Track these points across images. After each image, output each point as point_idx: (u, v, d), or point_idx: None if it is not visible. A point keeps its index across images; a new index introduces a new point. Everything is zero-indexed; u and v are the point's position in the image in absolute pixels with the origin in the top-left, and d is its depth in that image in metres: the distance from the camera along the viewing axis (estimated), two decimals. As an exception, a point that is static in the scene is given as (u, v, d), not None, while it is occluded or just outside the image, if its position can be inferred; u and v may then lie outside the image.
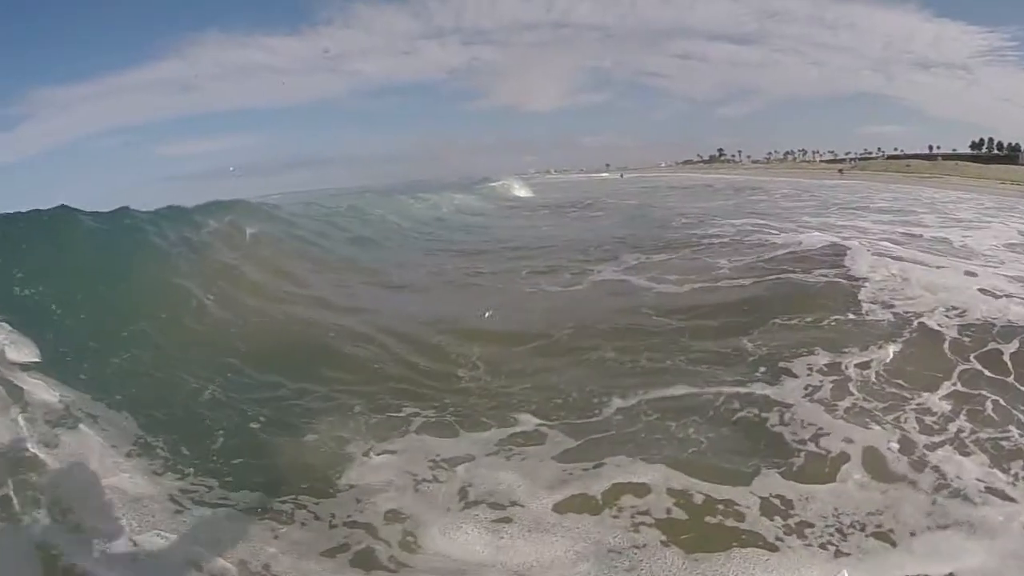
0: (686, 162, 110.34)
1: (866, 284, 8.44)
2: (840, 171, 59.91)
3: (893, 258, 10.17)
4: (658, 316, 7.97)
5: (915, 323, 6.91)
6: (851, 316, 7.32)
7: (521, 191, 40.06)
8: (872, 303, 7.67)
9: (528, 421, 5.22)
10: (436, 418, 5.35)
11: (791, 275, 9.37)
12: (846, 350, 6.23)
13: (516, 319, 8.23)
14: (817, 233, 13.24)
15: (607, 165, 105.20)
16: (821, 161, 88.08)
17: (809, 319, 7.29)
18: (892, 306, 7.51)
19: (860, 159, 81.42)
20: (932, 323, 6.87)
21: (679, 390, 5.62)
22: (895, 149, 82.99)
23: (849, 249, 10.71)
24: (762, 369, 5.98)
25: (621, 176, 77.79)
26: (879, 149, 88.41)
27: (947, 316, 7.04)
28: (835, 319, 7.23)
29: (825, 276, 9.13)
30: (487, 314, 8.18)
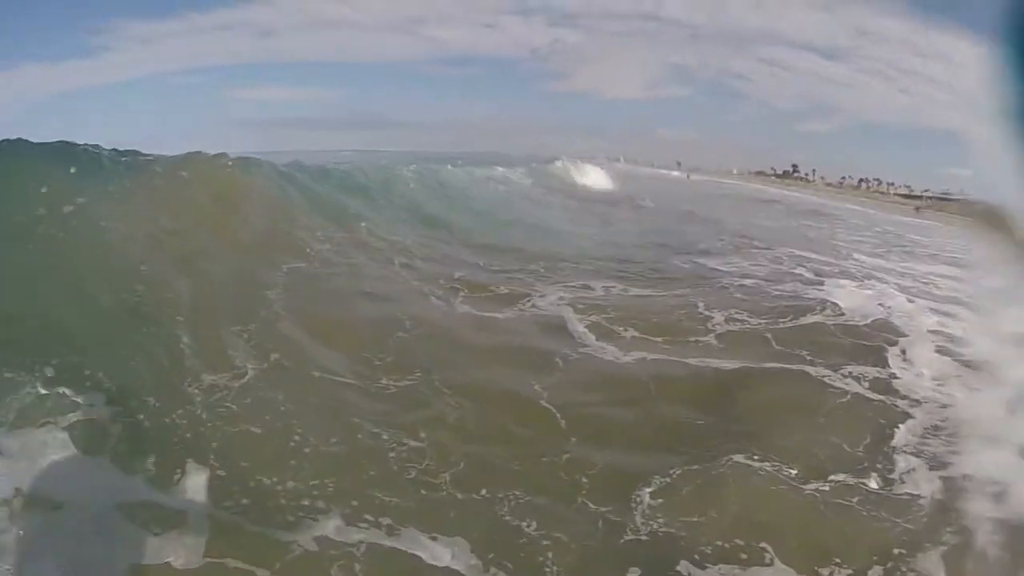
0: (759, 172, 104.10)
1: (916, 414, 5.26)
2: (917, 209, 54.16)
3: (963, 363, 6.67)
4: (544, 405, 5.29)
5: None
6: (877, 486, 4.36)
7: (580, 177, 36.48)
8: (927, 460, 4.66)
9: None
10: None
11: (804, 367, 6.24)
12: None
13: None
14: (865, 290, 9.64)
15: (678, 163, 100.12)
16: (895, 194, 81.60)
17: (794, 472, 4.42)
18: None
19: (938, 199, 74.88)
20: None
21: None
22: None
23: (904, 336, 7.39)
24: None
25: (687, 177, 73.48)
26: (960, 191, 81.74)
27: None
28: (847, 489, 4.28)
29: (856, 381, 5.98)
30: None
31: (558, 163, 37.20)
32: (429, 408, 5.11)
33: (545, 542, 3.68)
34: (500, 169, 25.16)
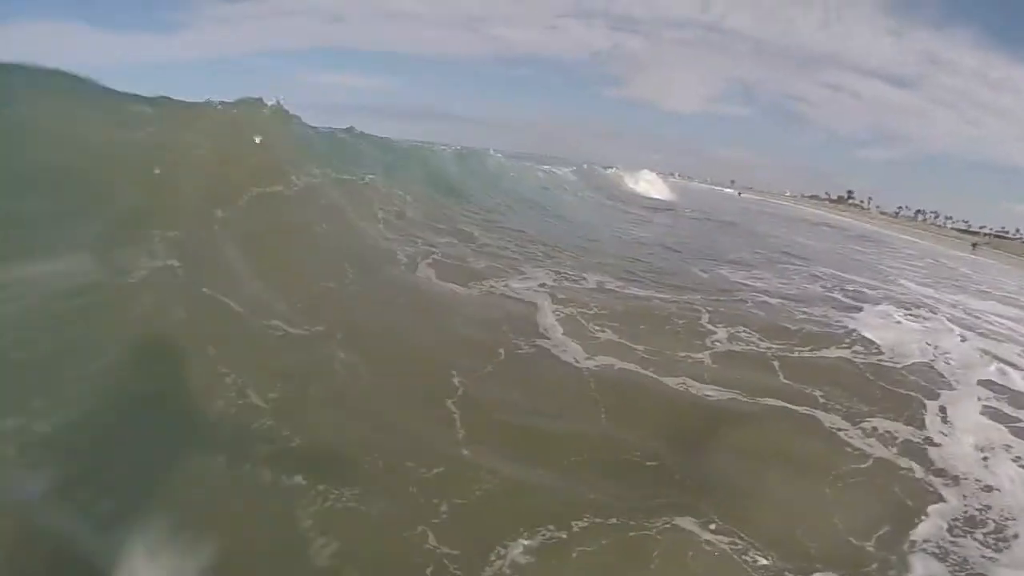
0: (813, 196, 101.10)
1: (951, 496, 3.98)
2: (974, 245, 50.96)
3: (1018, 431, 5.28)
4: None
5: None
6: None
7: (631, 183, 34.58)
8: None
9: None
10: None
11: (815, 411, 4.87)
12: None
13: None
14: (909, 322, 8.08)
15: (732, 181, 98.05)
16: (952, 229, 77.63)
17: (763, 560, 3.07)
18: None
19: (995, 236, 70.93)
20: None
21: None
22: (1035, 232, 71.85)
23: (949, 387, 5.95)
24: None
25: (739, 194, 71.69)
26: (1018, 230, 77.47)
27: None
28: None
29: (880, 442, 4.63)
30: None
31: (611, 169, 35.55)
32: (307, 365, 4.15)
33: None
34: (547, 166, 23.64)
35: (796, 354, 6.08)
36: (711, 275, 9.75)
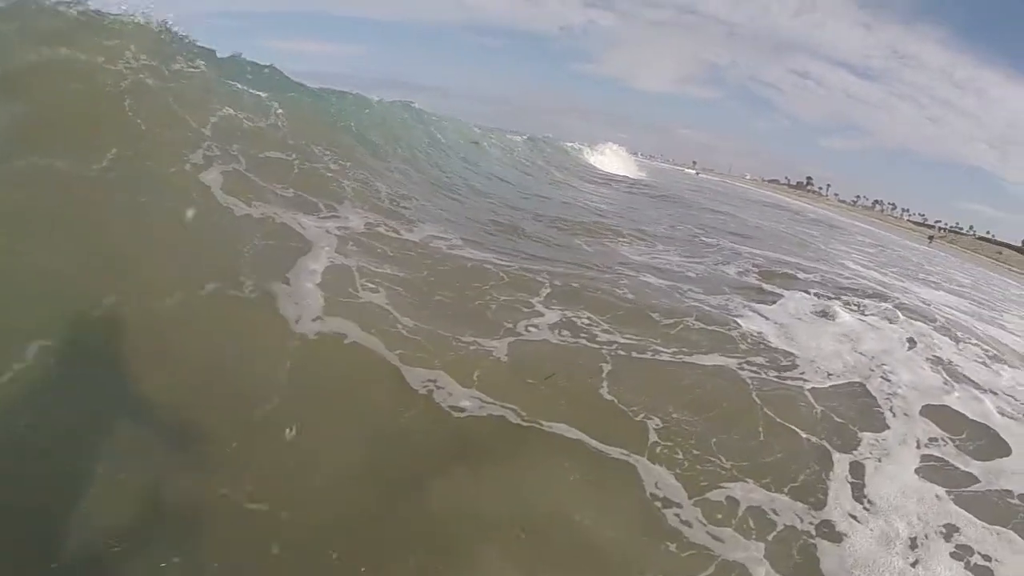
0: (773, 181, 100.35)
1: None
2: (930, 239, 50.30)
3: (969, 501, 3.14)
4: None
5: None
6: None
7: (588, 157, 31.95)
8: None
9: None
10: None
11: (635, 462, 2.96)
12: None
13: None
14: (847, 315, 5.98)
15: (694, 162, 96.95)
16: (909, 220, 77.45)
17: None
18: None
19: (950, 231, 71.04)
20: None
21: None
22: (987, 232, 72.12)
23: (882, 423, 3.99)
24: None
25: (696, 173, 71.18)
26: (971, 227, 77.81)
27: None
28: None
29: (744, 530, 2.74)
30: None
31: (571, 144, 33.01)
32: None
33: None
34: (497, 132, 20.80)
35: (649, 356, 3.95)
36: (598, 247, 7.55)
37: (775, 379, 4.14)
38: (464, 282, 4.74)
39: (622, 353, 4.01)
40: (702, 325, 4.82)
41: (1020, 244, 61.87)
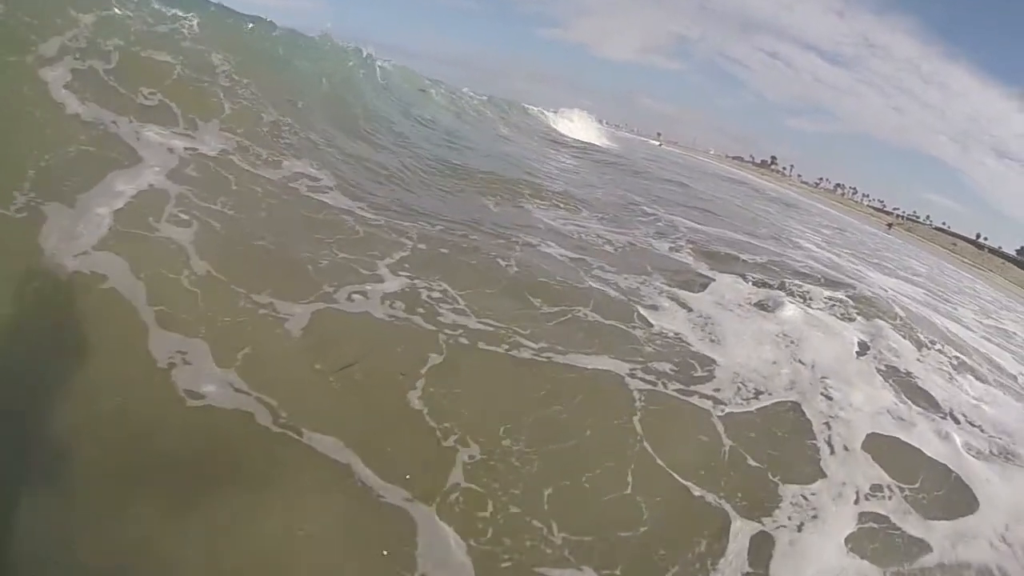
0: (737, 158, 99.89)
1: None
2: (889, 225, 50.31)
3: None
4: None
5: None
6: None
7: (552, 123, 30.45)
8: None
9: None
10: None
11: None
12: None
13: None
14: (792, 307, 4.86)
15: (659, 134, 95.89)
16: (868, 206, 77.91)
17: None
18: None
19: (908, 219, 71.79)
20: None
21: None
22: (943, 223, 73.17)
23: (812, 462, 2.95)
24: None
25: (660, 145, 70.24)
26: (928, 217, 78.74)
27: None
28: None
29: None
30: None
31: (535, 107, 31.42)
32: None
33: None
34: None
35: (503, 350, 2.85)
36: (508, 207, 6.33)
37: (677, 396, 3.03)
38: (305, 231, 3.65)
39: (465, 342, 2.87)
40: (597, 316, 3.67)
41: (974, 238, 62.94)
